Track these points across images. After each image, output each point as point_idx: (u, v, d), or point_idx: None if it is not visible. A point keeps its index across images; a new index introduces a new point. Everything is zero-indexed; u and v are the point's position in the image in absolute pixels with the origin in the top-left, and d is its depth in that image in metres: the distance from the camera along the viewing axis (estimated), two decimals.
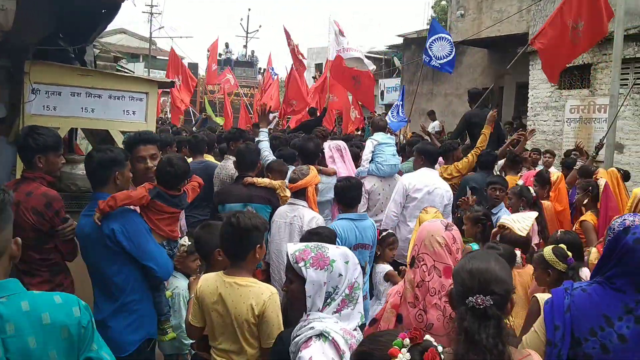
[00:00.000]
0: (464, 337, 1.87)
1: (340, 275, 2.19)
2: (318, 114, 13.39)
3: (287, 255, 2.32)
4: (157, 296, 3.61)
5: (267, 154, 5.83)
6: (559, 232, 4.31)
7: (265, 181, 5.15)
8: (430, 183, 5.73)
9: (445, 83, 19.10)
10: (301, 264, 2.17)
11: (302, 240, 3.91)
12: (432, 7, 30.28)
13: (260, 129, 6.14)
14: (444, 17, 24.31)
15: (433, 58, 10.61)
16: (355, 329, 2.23)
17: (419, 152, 6.10)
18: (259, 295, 2.86)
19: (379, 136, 6.91)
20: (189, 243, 4.16)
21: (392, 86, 25.83)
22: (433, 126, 17.25)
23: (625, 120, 11.67)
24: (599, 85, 12.53)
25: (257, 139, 6.08)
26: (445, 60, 10.60)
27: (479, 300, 1.88)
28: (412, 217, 5.61)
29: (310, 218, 4.48)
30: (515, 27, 14.91)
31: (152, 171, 3.85)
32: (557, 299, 2.45)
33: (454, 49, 10.63)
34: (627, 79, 11.75)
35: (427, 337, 1.73)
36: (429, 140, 8.64)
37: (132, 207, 3.53)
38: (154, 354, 3.63)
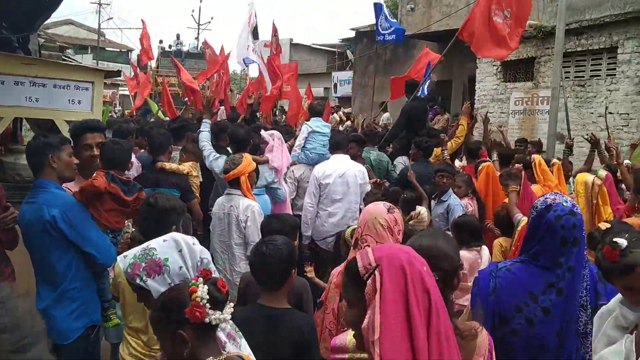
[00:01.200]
0: None
1: (181, 267, 2.12)
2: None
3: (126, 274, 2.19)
4: (100, 283, 3.59)
5: (205, 144, 5.74)
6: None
7: (173, 166, 5.31)
8: (340, 167, 5.91)
9: (396, 75, 19.32)
10: (137, 280, 2.08)
11: (262, 224, 3.96)
12: (384, 1, 30.53)
13: (204, 120, 6.07)
14: (395, 11, 24.57)
15: (383, 33, 11.07)
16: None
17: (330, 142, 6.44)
18: None
19: (314, 123, 7.00)
20: (133, 230, 4.13)
21: (345, 79, 25.98)
22: (384, 118, 17.49)
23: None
24: (542, 78, 12.96)
25: (199, 130, 6.02)
26: (389, 30, 11.05)
27: None
28: (330, 201, 5.85)
29: (245, 207, 4.50)
30: (462, 21, 15.23)
31: (98, 159, 3.84)
32: (483, 281, 2.58)
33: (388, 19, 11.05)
34: (569, 72, 12.19)
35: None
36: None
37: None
38: (98, 342, 3.61)
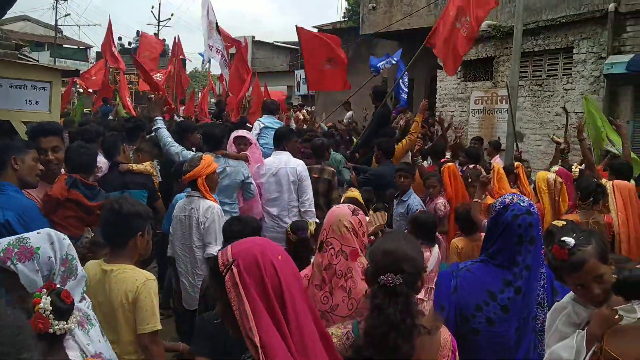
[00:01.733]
0: (375, 313, 2.00)
1: (50, 257, 2.20)
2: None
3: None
4: None
5: (169, 139, 5.84)
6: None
7: (140, 167, 5.26)
8: (275, 165, 5.82)
9: (359, 75, 19.42)
10: (8, 263, 2.14)
11: (224, 226, 3.93)
12: (346, 0, 30.61)
13: (156, 118, 6.08)
14: (357, 9, 24.67)
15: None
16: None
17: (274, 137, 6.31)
18: (134, 281, 2.84)
19: (266, 119, 7.15)
20: (92, 234, 4.06)
21: None
22: (348, 116, 17.58)
23: (524, 110, 12.38)
24: (501, 77, 13.22)
25: (154, 127, 6.03)
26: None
27: (389, 278, 2.00)
28: (267, 201, 5.80)
29: (206, 208, 4.47)
30: (424, 21, 15.38)
31: (55, 164, 3.75)
32: (444, 281, 2.64)
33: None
34: (527, 72, 12.47)
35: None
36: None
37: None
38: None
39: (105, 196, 4.06)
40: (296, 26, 10.53)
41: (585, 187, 4.99)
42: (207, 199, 4.53)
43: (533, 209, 2.61)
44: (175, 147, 5.83)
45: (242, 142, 6.11)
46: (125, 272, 2.88)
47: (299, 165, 5.83)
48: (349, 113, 17.44)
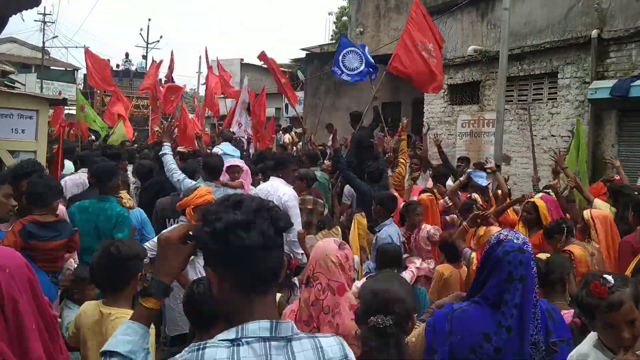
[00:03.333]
0: (368, 356, 1.99)
1: None
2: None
3: None
4: None
5: (173, 167, 5.94)
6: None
7: (127, 204, 5.30)
8: (265, 192, 5.78)
9: (346, 97, 19.55)
10: None
11: None
12: (334, 23, 30.97)
13: (164, 143, 6.25)
14: (345, 32, 24.91)
15: (344, 71, 10.89)
16: None
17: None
18: None
19: (224, 147, 7.83)
20: (75, 266, 4.00)
21: None
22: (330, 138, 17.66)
23: (511, 134, 12.48)
24: (487, 101, 13.35)
25: (161, 153, 6.17)
26: (356, 72, 10.94)
27: (379, 319, 2.01)
28: None
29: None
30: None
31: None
32: (439, 324, 2.56)
33: (364, 61, 10.92)
34: (512, 96, 12.60)
35: None
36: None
37: None
38: None
39: (70, 228, 4.00)
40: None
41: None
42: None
43: (526, 246, 2.56)
44: (178, 175, 5.88)
45: (236, 171, 6.25)
46: (124, 317, 2.82)
47: (286, 194, 5.75)
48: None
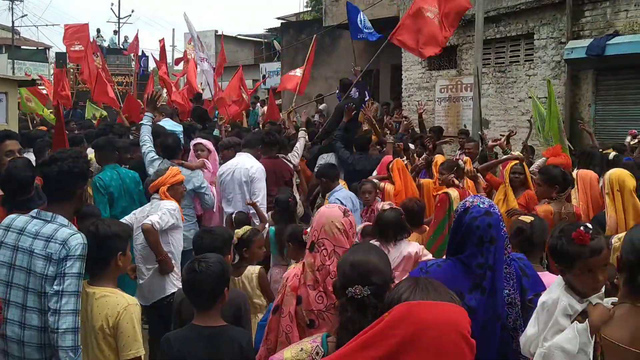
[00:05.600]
0: (345, 326, 1.99)
1: None
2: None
3: None
4: None
5: (147, 140, 5.99)
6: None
7: None
8: (233, 165, 5.96)
9: (325, 66, 19.38)
10: None
11: (194, 239, 3.85)
12: None
13: (146, 114, 6.34)
14: (319, 0, 24.58)
15: (365, 31, 10.98)
16: None
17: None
18: (115, 306, 2.83)
19: (165, 123, 7.78)
20: None
21: (273, 70, 25.77)
22: (321, 108, 17.63)
23: (489, 97, 12.50)
24: (465, 65, 13.30)
25: (140, 122, 6.32)
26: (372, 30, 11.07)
27: (357, 290, 2.00)
28: (225, 200, 5.92)
29: (162, 205, 4.50)
30: (386, 11, 15.42)
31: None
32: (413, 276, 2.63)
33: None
34: (490, 59, 12.57)
35: None
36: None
37: None
38: None
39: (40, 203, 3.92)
40: None
41: (557, 177, 5.02)
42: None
43: (492, 209, 2.65)
44: (146, 148, 5.91)
45: (200, 149, 6.25)
46: (107, 296, 2.86)
47: (253, 167, 5.92)
48: (323, 105, 17.47)
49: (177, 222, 4.51)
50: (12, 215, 2.95)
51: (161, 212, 4.36)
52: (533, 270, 2.78)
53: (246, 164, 5.91)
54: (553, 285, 2.47)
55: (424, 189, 6.45)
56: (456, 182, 5.56)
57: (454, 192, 5.29)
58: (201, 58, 14.09)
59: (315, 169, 6.87)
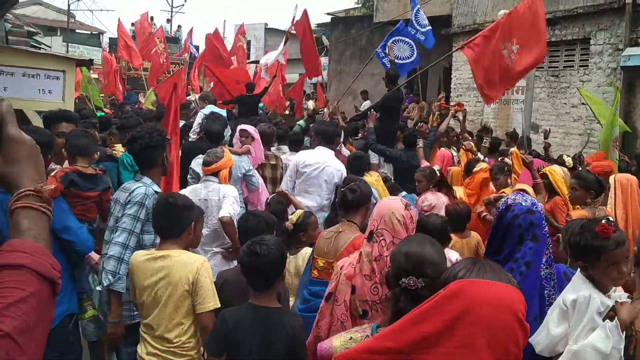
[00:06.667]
0: (397, 317, 1.95)
1: None
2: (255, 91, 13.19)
3: None
4: (76, 272, 3.61)
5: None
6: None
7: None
8: (322, 161, 5.85)
9: (372, 63, 19.24)
10: None
11: (240, 221, 3.91)
12: None
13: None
14: None
15: (418, 30, 11.09)
16: None
17: (315, 132, 6.32)
18: (193, 262, 3.03)
19: (207, 109, 7.99)
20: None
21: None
22: (364, 105, 17.55)
23: (541, 102, 12.23)
24: None
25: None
26: (408, 61, 11.13)
27: (411, 281, 1.97)
28: (300, 191, 5.79)
29: (226, 191, 4.54)
30: (439, 9, 15.22)
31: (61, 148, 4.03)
32: None
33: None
34: (544, 62, 12.29)
35: None
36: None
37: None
38: (78, 331, 3.64)
39: (105, 183, 4.22)
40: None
41: (593, 182, 4.92)
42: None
43: (535, 207, 2.65)
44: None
45: (244, 135, 6.26)
46: (183, 254, 3.06)
47: (340, 170, 5.86)
48: (367, 102, 17.39)
49: (240, 209, 4.59)
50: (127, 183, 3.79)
51: (230, 200, 4.42)
52: None
53: (337, 165, 5.89)
54: (575, 282, 2.47)
55: (452, 177, 6.41)
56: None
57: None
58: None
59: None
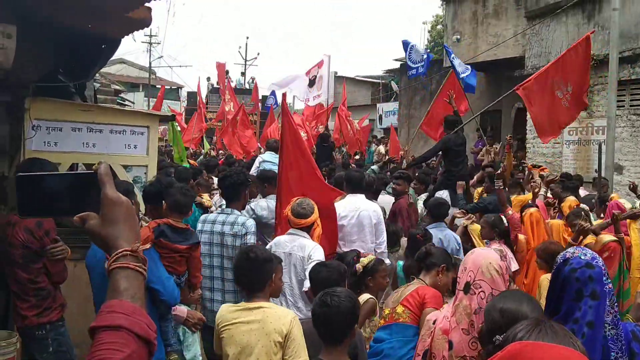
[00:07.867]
0: None
1: None
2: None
3: None
4: (163, 325, 3.67)
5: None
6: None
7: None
8: (354, 208, 5.76)
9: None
10: None
11: (311, 273, 3.86)
12: (429, 32, 30.57)
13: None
14: (440, 41, 24.49)
15: (418, 67, 11.46)
16: None
17: (344, 179, 6.24)
18: (286, 315, 3.08)
19: (266, 155, 8.56)
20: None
21: (390, 110, 25.94)
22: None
23: (623, 141, 11.71)
24: (596, 107, 12.58)
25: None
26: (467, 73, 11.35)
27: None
28: (346, 242, 5.72)
29: (313, 247, 4.47)
30: (511, 51, 15.02)
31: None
32: None
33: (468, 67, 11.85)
34: (624, 101, 11.83)
35: None
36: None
37: None
38: None
39: (197, 237, 4.21)
40: None
41: None
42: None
43: (595, 262, 2.40)
44: None
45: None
46: (274, 308, 3.13)
47: (378, 207, 6.00)
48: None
49: None
50: (204, 215, 4.79)
51: (318, 256, 4.37)
52: None
53: (370, 207, 5.88)
54: None
55: (553, 230, 6.14)
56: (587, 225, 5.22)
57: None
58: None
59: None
